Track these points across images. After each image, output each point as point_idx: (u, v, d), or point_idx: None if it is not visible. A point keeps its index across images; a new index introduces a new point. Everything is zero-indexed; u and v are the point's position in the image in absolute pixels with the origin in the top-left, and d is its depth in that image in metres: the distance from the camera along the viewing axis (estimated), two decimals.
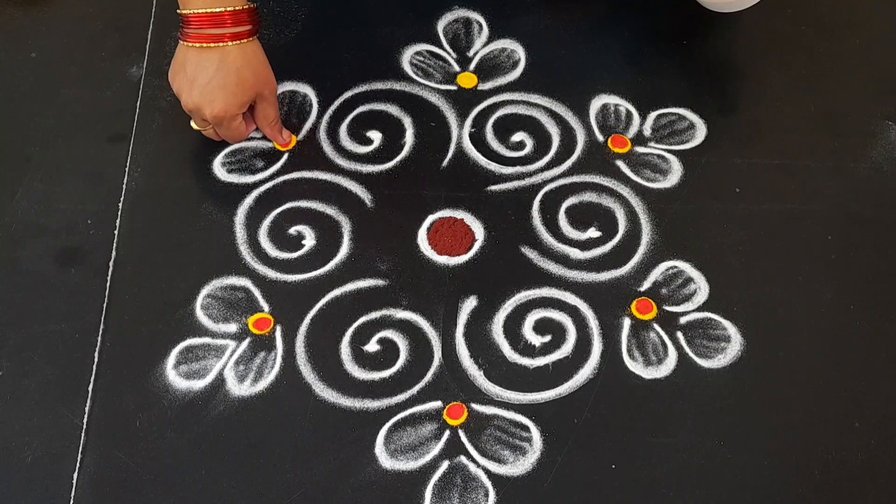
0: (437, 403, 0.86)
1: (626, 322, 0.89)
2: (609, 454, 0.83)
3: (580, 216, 0.95)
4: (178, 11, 0.91)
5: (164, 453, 0.83)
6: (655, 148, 1.00)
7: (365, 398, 0.86)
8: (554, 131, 1.01)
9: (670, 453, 0.83)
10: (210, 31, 0.89)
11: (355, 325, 0.89)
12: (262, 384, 0.86)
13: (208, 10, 0.89)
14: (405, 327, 0.89)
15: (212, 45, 0.89)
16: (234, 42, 0.90)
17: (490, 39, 1.08)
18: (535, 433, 0.84)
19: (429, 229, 0.95)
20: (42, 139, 1.01)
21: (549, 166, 0.99)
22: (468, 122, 1.02)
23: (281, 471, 0.82)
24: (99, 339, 0.89)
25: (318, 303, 0.91)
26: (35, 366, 0.87)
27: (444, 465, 0.83)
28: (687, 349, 0.88)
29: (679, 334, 0.89)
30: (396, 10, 1.10)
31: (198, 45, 0.89)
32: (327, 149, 1.00)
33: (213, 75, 0.90)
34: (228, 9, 0.89)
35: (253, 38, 0.92)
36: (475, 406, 0.85)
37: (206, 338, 0.89)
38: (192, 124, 0.97)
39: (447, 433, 0.84)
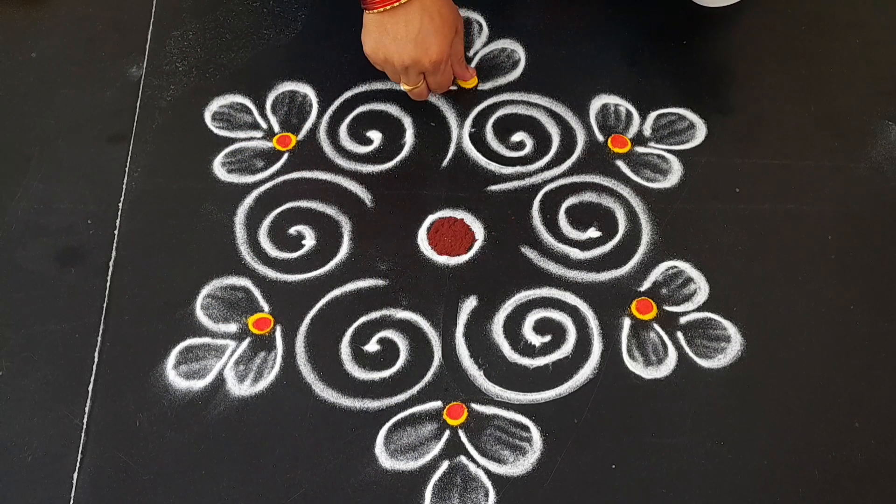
0: (437, 403, 0.86)
1: (626, 322, 0.89)
2: (609, 454, 0.83)
3: (580, 216, 0.95)
4: None
5: (164, 453, 0.83)
6: (655, 148, 1.00)
7: (365, 398, 0.86)
8: (554, 131, 1.01)
9: (670, 453, 0.83)
10: None
11: (355, 325, 0.89)
12: (262, 384, 0.86)
13: None
14: (405, 327, 0.89)
15: (403, 0, 0.89)
16: None
17: (490, 39, 1.08)
18: (535, 433, 0.84)
19: (429, 229, 0.95)
20: (42, 139, 1.01)
21: (549, 166, 0.99)
22: (468, 122, 1.02)
23: (281, 471, 0.82)
24: (99, 339, 0.89)
25: (318, 303, 0.91)
26: (35, 366, 0.87)
27: (444, 465, 0.83)
28: (687, 349, 0.88)
29: (679, 334, 0.89)
30: None
31: (389, 6, 0.89)
32: (327, 149, 1.00)
33: (419, 24, 0.90)
34: None
35: None
36: (475, 406, 0.85)
37: (206, 338, 0.89)
38: (403, 86, 0.97)
39: (447, 433, 0.84)
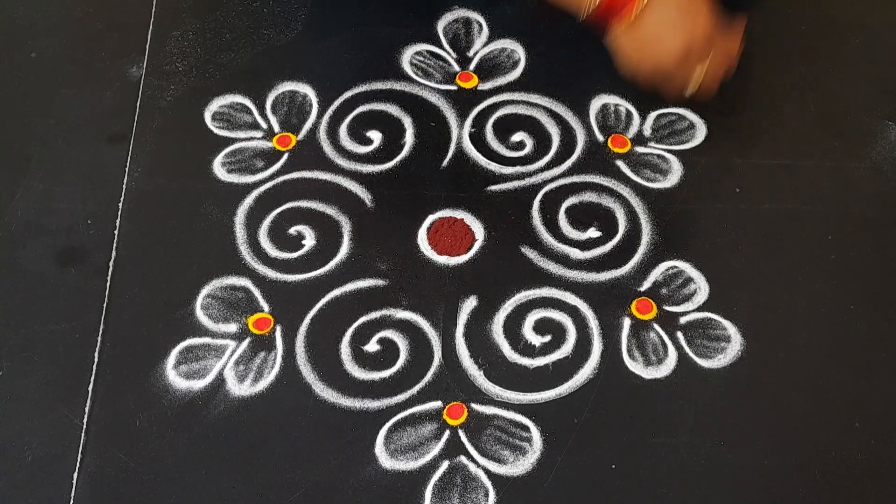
0: (437, 403, 0.86)
1: (626, 322, 0.89)
2: (609, 454, 0.83)
3: (580, 216, 0.95)
4: (588, 14, 0.87)
5: (164, 453, 0.83)
6: (655, 148, 1.00)
7: (365, 398, 0.86)
8: (554, 131, 1.01)
9: (670, 453, 0.83)
10: None
11: (355, 325, 0.89)
12: (262, 384, 0.86)
13: None
14: (405, 327, 0.89)
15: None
16: None
17: (490, 39, 1.08)
18: (535, 433, 0.84)
19: (429, 229, 0.95)
20: (42, 139, 1.01)
21: (549, 166, 0.99)
22: (468, 122, 1.02)
23: (281, 471, 0.82)
24: (99, 339, 0.89)
25: (318, 303, 0.91)
26: (35, 366, 0.87)
27: (444, 465, 0.83)
28: (687, 349, 0.88)
29: (679, 334, 0.89)
30: (396, 10, 1.10)
31: (639, 6, 0.85)
32: (327, 149, 1.00)
33: (675, 4, 0.86)
34: None
35: None
36: (475, 406, 0.85)
37: (206, 338, 0.89)
38: (690, 88, 0.92)
39: (447, 433, 0.84)
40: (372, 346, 0.88)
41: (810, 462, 0.82)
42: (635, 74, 0.90)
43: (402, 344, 0.88)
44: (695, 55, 0.90)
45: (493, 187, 0.98)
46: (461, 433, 0.84)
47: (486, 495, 0.81)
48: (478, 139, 1.01)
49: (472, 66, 1.06)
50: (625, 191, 0.97)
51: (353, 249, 0.94)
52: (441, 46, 1.07)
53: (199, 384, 0.86)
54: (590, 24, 0.85)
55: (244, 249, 0.94)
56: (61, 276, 0.92)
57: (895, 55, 1.07)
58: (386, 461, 0.83)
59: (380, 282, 0.92)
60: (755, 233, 0.94)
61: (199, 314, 0.90)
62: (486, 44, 1.07)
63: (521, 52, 1.07)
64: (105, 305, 0.90)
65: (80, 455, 0.83)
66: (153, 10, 1.10)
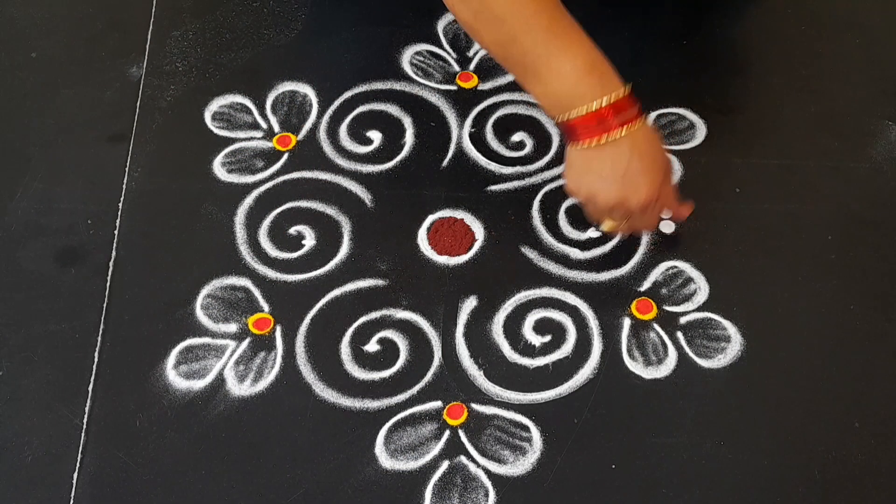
0: (437, 403, 0.86)
1: (626, 322, 0.89)
2: (609, 454, 0.83)
3: (580, 216, 0.95)
4: (557, 121, 0.83)
5: (164, 453, 0.83)
6: None
7: (365, 398, 0.86)
8: (554, 131, 1.01)
9: (670, 453, 0.83)
10: (606, 123, 0.81)
11: (355, 325, 0.89)
12: (262, 384, 0.86)
13: (593, 109, 0.80)
14: (405, 327, 0.89)
15: (614, 135, 0.81)
16: (637, 122, 0.82)
17: None
18: (535, 433, 0.84)
19: (429, 229, 0.95)
20: (42, 139, 1.01)
21: (549, 166, 0.99)
22: (468, 122, 1.02)
23: (281, 471, 0.82)
24: (99, 339, 0.89)
25: (318, 303, 0.91)
26: (35, 366, 0.87)
27: (444, 465, 0.83)
28: (687, 349, 0.88)
29: (679, 334, 0.89)
30: (396, 10, 1.10)
31: (596, 142, 0.82)
32: (327, 149, 1.00)
33: (627, 164, 0.82)
34: (606, 101, 0.80)
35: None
36: (475, 406, 0.85)
37: (206, 338, 0.89)
38: (603, 227, 0.90)
39: (447, 433, 0.84)
40: (372, 346, 0.88)
41: (810, 462, 0.82)
42: (569, 190, 0.88)
43: (402, 344, 0.88)
44: (619, 211, 0.86)
45: (493, 187, 0.98)
46: (461, 433, 0.84)
47: (486, 495, 0.81)
48: (478, 139, 1.01)
49: (472, 65, 1.06)
50: None
51: (353, 249, 0.94)
52: (441, 46, 1.07)
53: (199, 384, 0.86)
54: (562, 128, 0.84)
55: (244, 249, 0.94)
56: (61, 276, 0.92)
57: (894, 55, 1.07)
58: (386, 461, 0.83)
59: (380, 282, 0.92)
60: (755, 233, 0.94)
61: (199, 314, 0.90)
62: None
63: None
64: (105, 305, 0.90)
65: (80, 455, 0.83)
66: (153, 10, 1.10)
